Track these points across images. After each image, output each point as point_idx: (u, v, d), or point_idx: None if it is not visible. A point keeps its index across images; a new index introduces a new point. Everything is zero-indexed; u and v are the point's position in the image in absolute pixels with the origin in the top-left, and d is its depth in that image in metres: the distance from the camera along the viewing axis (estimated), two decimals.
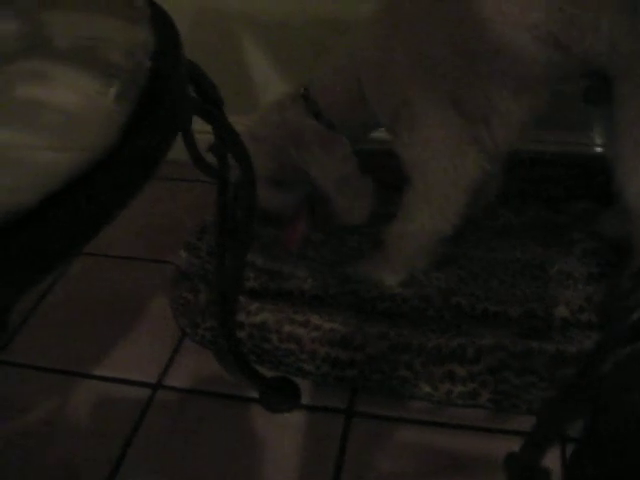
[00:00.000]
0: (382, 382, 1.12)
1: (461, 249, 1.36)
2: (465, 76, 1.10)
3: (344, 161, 1.22)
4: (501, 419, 1.11)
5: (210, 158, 0.80)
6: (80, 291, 1.44)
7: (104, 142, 0.50)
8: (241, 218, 0.87)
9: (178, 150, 0.75)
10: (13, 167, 0.45)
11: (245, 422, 1.15)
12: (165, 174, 1.61)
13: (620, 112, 1.05)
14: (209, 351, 1.25)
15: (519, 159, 1.49)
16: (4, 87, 0.48)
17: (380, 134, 1.30)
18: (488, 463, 1.05)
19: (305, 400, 1.17)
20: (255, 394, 1.18)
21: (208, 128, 0.78)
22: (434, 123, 1.13)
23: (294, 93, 1.26)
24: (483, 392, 1.09)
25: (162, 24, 0.68)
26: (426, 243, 1.24)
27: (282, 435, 1.13)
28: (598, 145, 1.56)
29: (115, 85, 0.52)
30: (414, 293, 1.27)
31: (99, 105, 0.50)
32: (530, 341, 1.10)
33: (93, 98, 0.50)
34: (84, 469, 1.11)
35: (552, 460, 0.56)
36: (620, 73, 1.03)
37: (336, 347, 1.13)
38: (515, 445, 1.05)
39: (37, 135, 0.47)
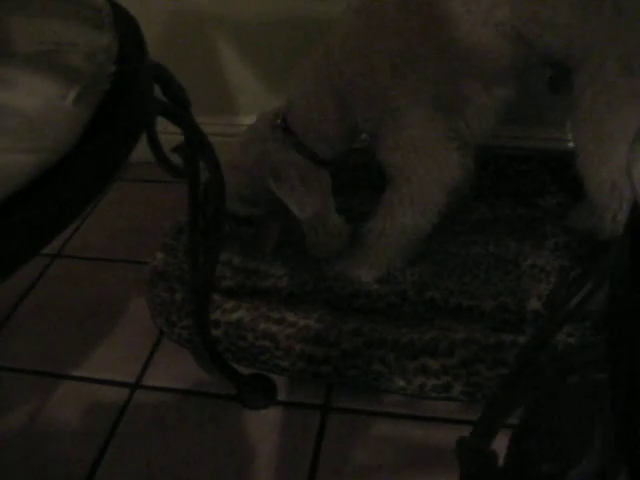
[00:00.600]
0: (357, 377, 1.14)
1: (436, 244, 1.38)
2: (441, 73, 1.13)
3: (321, 198, 1.26)
4: (474, 411, 1.12)
5: (178, 159, 0.81)
6: (58, 293, 1.44)
7: (64, 144, 0.51)
8: (211, 217, 0.88)
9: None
10: None
11: (223, 419, 1.16)
12: (140, 175, 1.63)
13: (577, 102, 1.07)
14: (187, 350, 1.26)
15: (494, 155, 1.51)
16: None
17: None
18: None
19: (281, 396, 1.19)
20: (232, 391, 1.19)
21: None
22: (417, 124, 1.15)
23: (272, 120, 1.28)
24: (456, 385, 1.10)
25: (126, 27, 0.69)
26: (405, 242, 1.27)
27: (259, 431, 1.14)
28: (570, 140, 1.58)
29: (75, 89, 0.53)
30: (389, 289, 1.28)
31: (59, 108, 0.51)
32: (502, 334, 1.12)
33: (53, 101, 0.51)
34: (63, 470, 1.12)
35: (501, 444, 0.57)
36: (577, 65, 1.06)
37: (311, 344, 1.14)
38: None
39: None
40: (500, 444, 0.57)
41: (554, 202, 1.48)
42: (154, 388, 1.23)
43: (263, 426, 1.15)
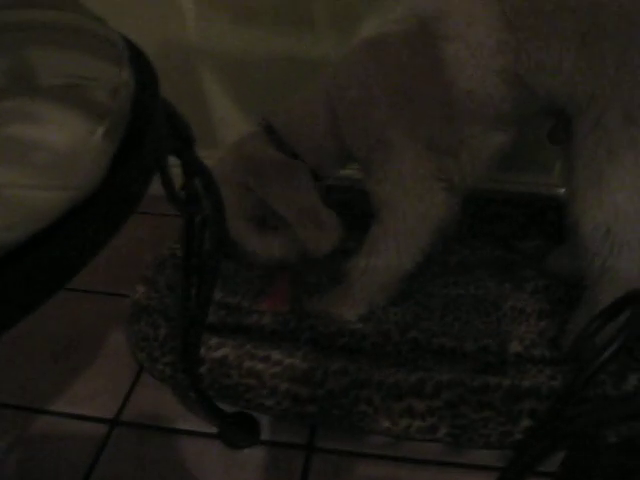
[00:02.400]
0: (342, 417, 1.13)
1: (417, 284, 1.39)
2: (439, 113, 1.14)
3: (304, 191, 1.22)
4: (459, 453, 1.13)
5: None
6: (35, 324, 1.40)
7: (92, 181, 0.51)
8: (209, 254, 0.87)
9: None
10: (4, 206, 0.45)
11: (204, 458, 1.14)
12: None
13: (577, 150, 1.09)
14: (167, 386, 1.24)
15: (474, 197, 1.53)
16: None
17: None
18: None
19: (265, 436, 1.17)
20: (214, 430, 1.17)
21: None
22: (407, 160, 1.16)
23: (255, 126, 1.27)
24: (441, 426, 1.10)
25: (140, 64, 0.69)
26: (389, 279, 1.27)
27: (242, 471, 1.12)
28: (550, 185, 1.61)
29: (103, 125, 0.52)
30: (373, 328, 1.28)
31: (88, 145, 0.51)
32: (487, 376, 1.13)
33: (82, 138, 0.51)
34: None
35: None
36: (578, 113, 1.08)
37: (297, 383, 1.13)
38: (472, 478, 1.07)
39: (28, 174, 0.47)
40: None
41: (532, 245, 1.50)
42: (134, 424, 1.21)
43: (246, 466, 1.13)
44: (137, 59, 0.69)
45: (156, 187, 0.77)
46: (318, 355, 1.18)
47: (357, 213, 1.50)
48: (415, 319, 1.32)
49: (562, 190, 1.18)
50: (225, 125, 1.67)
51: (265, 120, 1.26)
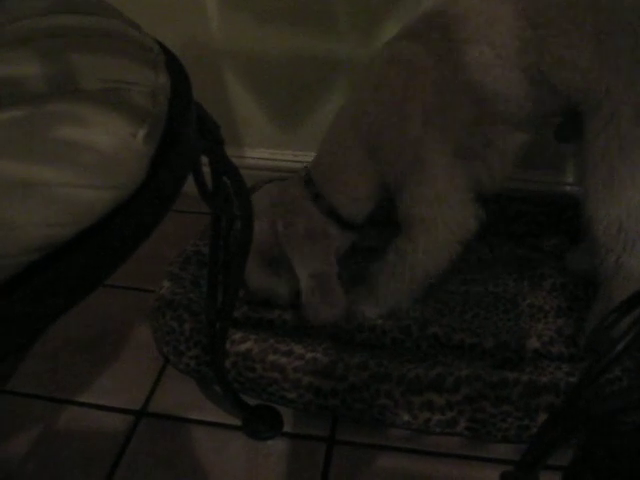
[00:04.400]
0: (363, 411, 1.15)
1: (437, 282, 1.41)
2: (467, 118, 1.16)
3: (324, 259, 1.25)
4: (477, 447, 1.15)
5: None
6: (63, 318, 1.44)
7: (134, 181, 0.54)
8: (236, 252, 0.90)
9: None
10: (57, 204, 0.48)
11: (228, 449, 1.17)
12: None
13: (589, 147, 1.10)
14: (191, 379, 1.27)
15: (493, 196, 1.55)
16: (41, 127, 0.51)
17: None
18: None
19: (287, 428, 1.20)
20: (238, 422, 1.20)
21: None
22: (442, 175, 1.17)
23: (297, 176, 1.29)
24: (461, 420, 1.12)
25: (174, 68, 0.72)
26: (415, 286, 1.29)
27: (265, 463, 1.15)
28: (568, 183, 1.63)
29: (144, 127, 0.55)
30: (393, 324, 1.30)
31: (130, 146, 0.54)
32: (505, 372, 1.15)
33: (125, 139, 0.54)
34: None
35: None
36: (591, 109, 1.09)
37: (319, 376, 1.15)
38: (491, 472, 1.09)
39: (77, 174, 0.50)
40: None
41: (551, 243, 1.52)
42: (159, 416, 1.24)
43: (269, 457, 1.16)
44: (171, 63, 0.71)
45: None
46: (339, 350, 1.21)
47: (380, 211, 1.52)
48: (435, 315, 1.34)
49: (575, 187, 1.19)
50: (249, 125, 1.69)
51: (306, 170, 1.28)
